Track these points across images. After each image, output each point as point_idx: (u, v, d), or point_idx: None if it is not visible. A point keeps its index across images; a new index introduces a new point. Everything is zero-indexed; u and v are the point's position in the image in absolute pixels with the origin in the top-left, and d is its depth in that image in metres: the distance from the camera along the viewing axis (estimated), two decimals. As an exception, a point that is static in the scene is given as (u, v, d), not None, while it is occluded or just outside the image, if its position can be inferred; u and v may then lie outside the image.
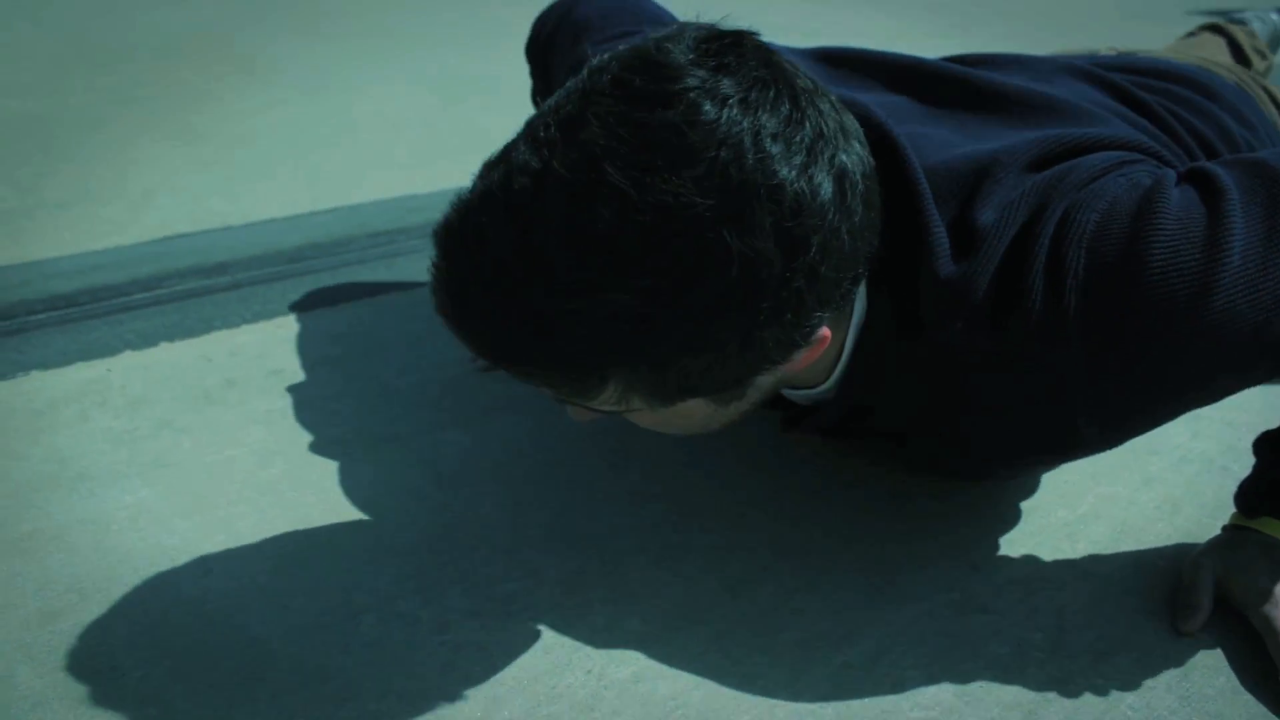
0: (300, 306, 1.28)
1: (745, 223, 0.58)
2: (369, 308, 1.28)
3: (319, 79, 2.40)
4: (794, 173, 0.59)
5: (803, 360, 0.68)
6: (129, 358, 1.15)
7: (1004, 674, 0.75)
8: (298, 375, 1.12)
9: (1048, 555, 0.88)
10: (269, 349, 1.17)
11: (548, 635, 0.77)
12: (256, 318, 1.24)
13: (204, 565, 0.83)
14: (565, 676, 0.74)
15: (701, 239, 0.58)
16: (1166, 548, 0.89)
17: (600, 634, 0.77)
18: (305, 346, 1.18)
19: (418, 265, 1.40)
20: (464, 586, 0.82)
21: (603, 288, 0.58)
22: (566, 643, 0.76)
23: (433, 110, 2.17)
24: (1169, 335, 0.68)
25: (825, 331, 0.67)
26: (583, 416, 0.75)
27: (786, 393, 0.83)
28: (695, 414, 0.71)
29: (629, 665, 0.75)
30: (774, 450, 1.01)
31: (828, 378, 0.79)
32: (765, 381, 0.70)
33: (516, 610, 0.80)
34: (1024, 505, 0.94)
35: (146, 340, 1.19)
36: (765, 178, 0.58)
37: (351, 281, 1.36)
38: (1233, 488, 0.96)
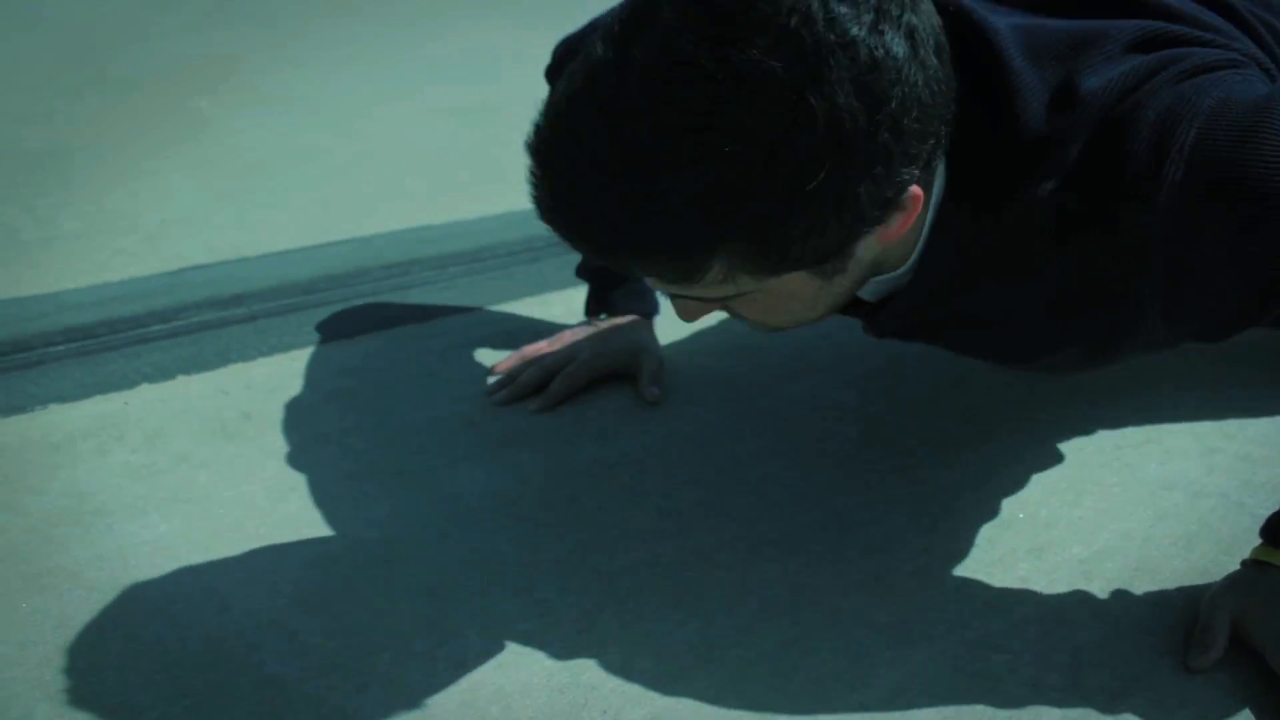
0: (315, 339, 1.29)
1: (824, 82, 0.60)
2: (383, 340, 1.29)
3: (332, 106, 2.42)
4: (864, 30, 0.61)
5: (897, 227, 0.69)
6: (146, 391, 1.16)
7: (1020, 714, 0.75)
8: (313, 409, 1.13)
9: (1063, 593, 0.88)
10: (284, 382, 1.18)
11: (563, 676, 0.77)
12: (272, 350, 1.25)
13: (221, 602, 0.84)
14: (581, 717, 0.74)
15: (784, 102, 0.60)
16: (1183, 586, 0.89)
17: (616, 674, 0.77)
18: (320, 380, 1.19)
19: (431, 296, 1.41)
20: (480, 626, 0.82)
21: (696, 162, 0.60)
22: (582, 683, 0.77)
23: (445, 139, 2.19)
24: (1264, 227, 0.69)
25: (916, 191, 0.68)
26: (692, 314, 0.77)
27: (867, 289, 0.83)
28: (801, 292, 0.73)
29: (644, 706, 0.75)
30: (787, 489, 1.01)
31: (906, 261, 0.80)
32: (863, 253, 0.72)
33: (532, 650, 0.80)
34: (1039, 542, 0.94)
35: (163, 373, 1.19)
36: (837, 36, 0.60)
37: (366, 313, 1.37)
38: (1249, 523, 0.96)
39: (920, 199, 0.69)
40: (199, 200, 1.77)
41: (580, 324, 1.24)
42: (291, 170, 1.94)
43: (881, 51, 0.62)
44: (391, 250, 1.57)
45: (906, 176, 0.66)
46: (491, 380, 1.20)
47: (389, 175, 1.93)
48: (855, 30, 0.61)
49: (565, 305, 1.39)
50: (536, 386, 1.16)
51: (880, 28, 0.62)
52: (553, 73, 1.22)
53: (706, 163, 0.61)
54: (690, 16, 0.60)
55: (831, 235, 0.66)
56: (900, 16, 0.63)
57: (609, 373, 1.19)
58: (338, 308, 1.38)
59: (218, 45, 3.11)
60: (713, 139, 0.60)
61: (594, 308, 1.24)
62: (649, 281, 0.72)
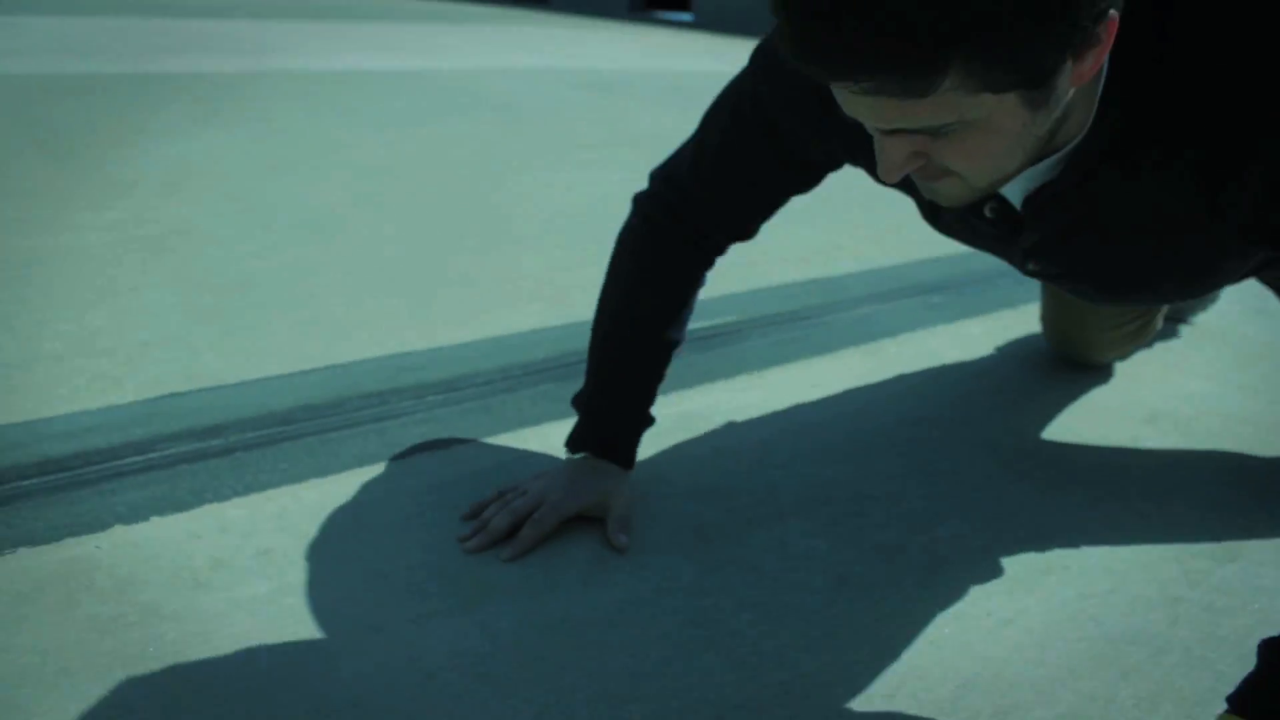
0: (290, 476, 1.30)
1: None
2: (358, 479, 1.30)
3: (314, 218, 2.46)
4: None
5: (1091, 64, 0.77)
6: (118, 533, 1.16)
7: None
8: (285, 556, 1.13)
9: (1025, 767, 0.88)
10: (258, 525, 1.19)
11: None
12: (247, 489, 1.26)
13: (184, 774, 0.83)
14: None
15: None
16: (1143, 760, 0.90)
17: None
18: (293, 523, 1.20)
19: (408, 430, 1.43)
20: (443, 802, 0.82)
21: None
22: None
23: (428, 256, 2.22)
24: None
25: (1113, 19, 0.75)
26: (897, 162, 0.82)
27: (1018, 183, 0.94)
28: (1010, 126, 0.79)
29: None
30: (754, 648, 1.02)
31: (1070, 141, 0.89)
32: (1061, 90, 0.78)
33: (494, 829, 0.80)
34: (1003, 704, 0.95)
35: (137, 513, 1.20)
36: None
37: (342, 447, 1.38)
38: (1211, 682, 0.97)
39: (1114, 28, 0.76)
40: (182, 318, 1.78)
41: (559, 464, 1.26)
42: (275, 286, 1.97)
43: None
44: (370, 379, 1.58)
45: (1106, 3, 0.74)
46: (464, 523, 1.21)
47: (370, 292, 1.96)
48: None
49: (541, 440, 1.41)
50: (508, 532, 1.17)
51: None
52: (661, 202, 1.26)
53: None
54: None
55: (1049, 45, 0.73)
56: None
57: (578, 515, 1.20)
58: (313, 441, 1.39)
59: (206, 149, 3.16)
60: None
61: (575, 444, 1.26)
62: (866, 113, 0.78)
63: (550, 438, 1.41)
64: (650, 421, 1.27)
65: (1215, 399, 1.69)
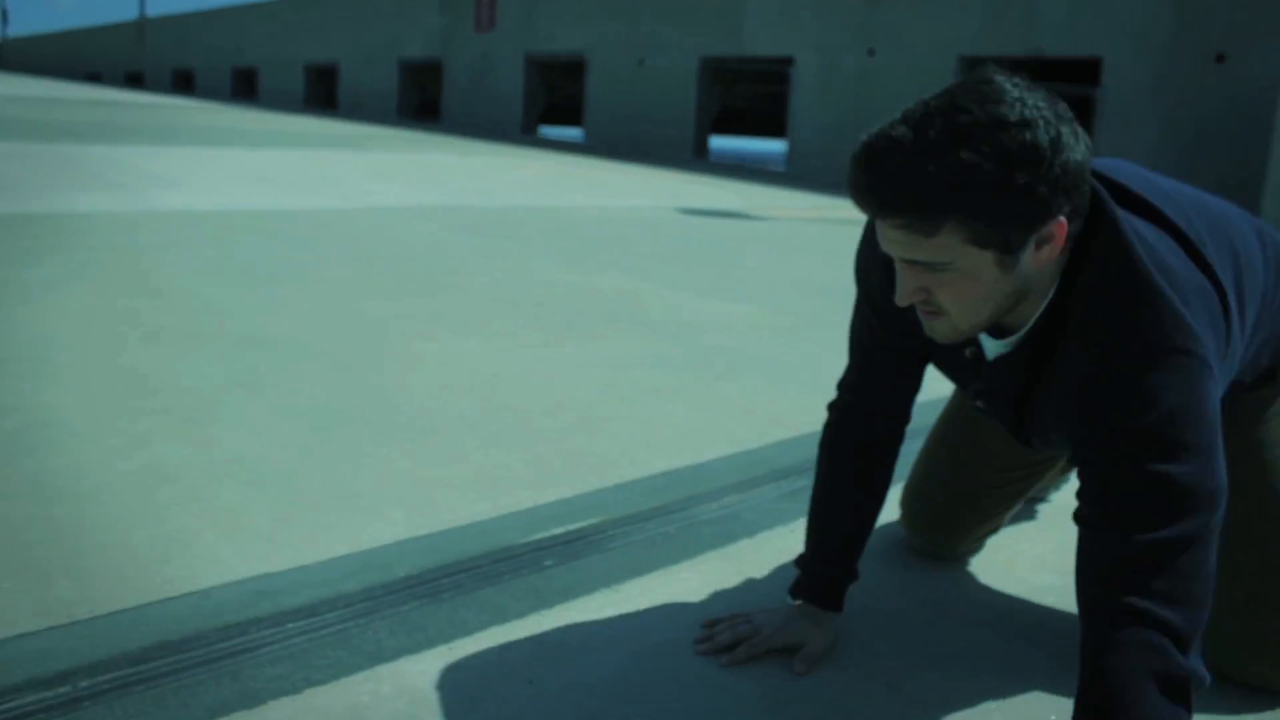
0: (138, 734, 1.28)
1: (1039, 142, 1.10)
2: (209, 734, 1.29)
3: (184, 404, 2.45)
4: (1059, 126, 1.12)
5: (1046, 255, 1.17)
6: (-48, 816, 1.13)
7: None
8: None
9: None
10: (100, 799, 1.17)
11: None
12: (91, 754, 1.24)
13: None
14: None
15: (1021, 142, 1.10)
16: None
17: None
18: (138, 793, 1.18)
19: (263, 671, 1.42)
20: None
21: (959, 157, 1.09)
22: None
23: (295, 454, 2.23)
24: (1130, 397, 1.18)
25: (1063, 223, 1.15)
26: (909, 291, 1.20)
27: (990, 347, 1.35)
28: (986, 277, 1.17)
29: None
30: None
31: (1019, 330, 1.29)
32: (1024, 265, 1.17)
33: None
34: None
35: (-27, 790, 1.17)
36: (1049, 121, 1.12)
37: (196, 694, 1.37)
38: None
39: (1064, 231, 1.16)
40: (38, 539, 1.75)
41: (785, 605, 1.59)
42: (135, 493, 1.95)
43: (1070, 139, 1.13)
44: (230, 606, 1.58)
45: (1063, 206, 1.13)
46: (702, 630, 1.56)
47: (232, 500, 1.96)
48: (1063, 129, 1.12)
49: (396, 682, 1.42)
50: (729, 646, 1.52)
51: (1074, 135, 1.14)
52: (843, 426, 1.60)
53: (966, 159, 1.09)
54: (969, 91, 1.13)
55: (1018, 224, 1.13)
56: (1076, 135, 1.14)
57: (782, 647, 1.52)
58: (167, 686, 1.38)
59: (76, 316, 3.12)
60: (971, 149, 1.09)
61: (795, 593, 1.58)
62: (894, 246, 1.18)
63: (406, 677, 1.43)
64: (854, 575, 1.59)
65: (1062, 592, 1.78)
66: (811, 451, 2.45)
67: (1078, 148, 1.13)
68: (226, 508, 1.92)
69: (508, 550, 1.83)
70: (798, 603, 1.57)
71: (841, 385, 1.59)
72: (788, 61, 13.80)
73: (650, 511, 2.04)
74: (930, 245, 1.14)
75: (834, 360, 3.30)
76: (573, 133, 18.56)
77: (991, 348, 1.36)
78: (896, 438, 1.57)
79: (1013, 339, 1.31)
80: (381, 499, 2.01)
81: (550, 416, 2.57)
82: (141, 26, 39.10)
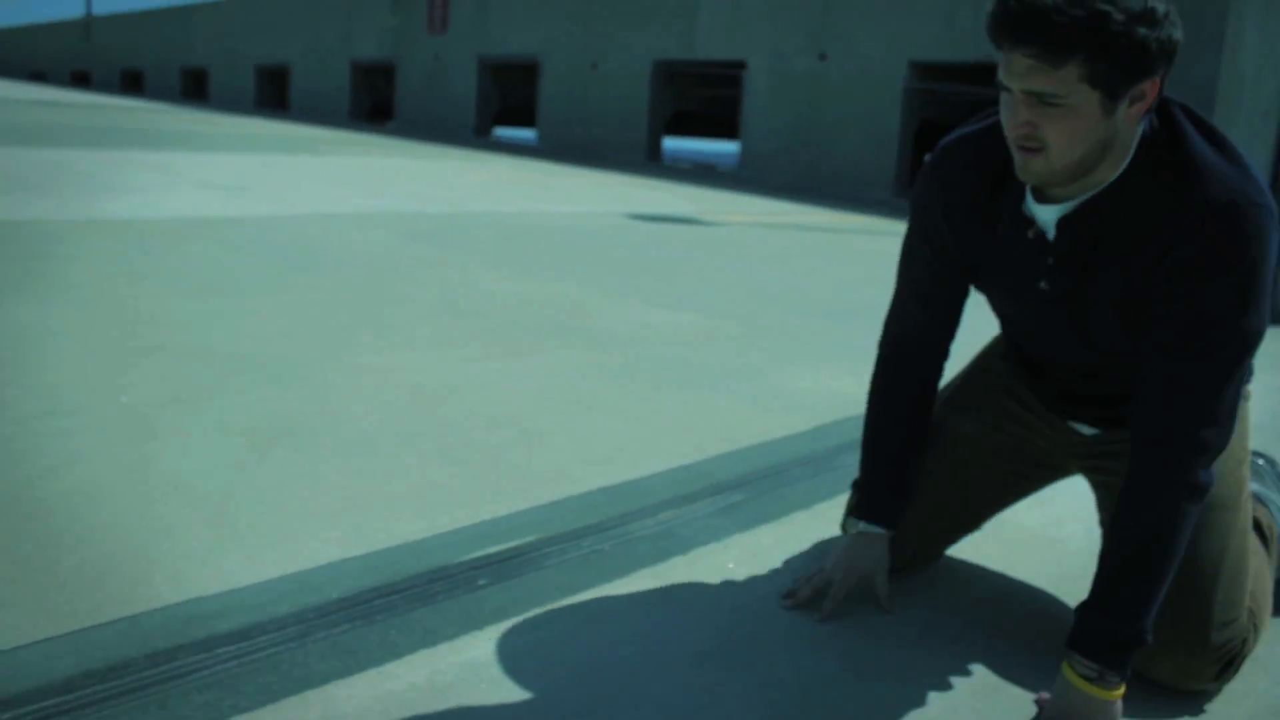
0: (61, 765, 1.28)
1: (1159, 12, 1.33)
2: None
3: (119, 422, 2.43)
4: (1170, 7, 1.34)
5: (1137, 111, 1.37)
6: None
7: None
8: None
9: None
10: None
11: None
12: (12, 788, 1.24)
13: None
14: None
15: (1148, 14, 1.31)
16: None
17: None
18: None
19: (191, 699, 1.42)
20: None
21: (1100, 9, 1.28)
22: None
23: (232, 467, 2.22)
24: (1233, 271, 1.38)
25: (1155, 84, 1.36)
26: (1021, 116, 1.37)
27: (1051, 211, 1.50)
28: (1090, 116, 1.35)
29: None
30: None
31: (1105, 180, 1.45)
32: (1120, 117, 1.37)
33: None
34: None
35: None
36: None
37: (121, 723, 1.37)
38: None
39: (1156, 90, 1.36)
40: (-37, 564, 1.74)
41: (842, 543, 1.83)
42: (69, 516, 1.94)
43: (1177, 27, 1.34)
44: (159, 633, 1.58)
45: (1160, 69, 1.34)
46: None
47: (168, 519, 1.95)
48: (1173, 11, 1.34)
49: (324, 708, 1.43)
50: (812, 600, 1.78)
51: (1178, 20, 1.35)
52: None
53: (1101, 8, 1.28)
54: None
55: (1127, 72, 1.33)
56: (1179, 25, 1.35)
57: (856, 585, 1.79)
58: (92, 713, 1.37)
59: (9, 330, 3.09)
60: (1107, 2, 1.28)
61: (856, 512, 1.82)
62: (1018, 76, 1.35)
63: (334, 702, 1.44)
64: (907, 494, 1.82)
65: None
66: (750, 465, 2.49)
67: (1179, 27, 1.34)
68: (159, 529, 1.92)
69: (442, 570, 1.84)
70: (856, 529, 1.81)
71: (888, 325, 1.82)
72: (740, 65, 13.87)
73: (586, 529, 2.06)
74: (1053, 77, 1.32)
75: (780, 370, 3.36)
76: (526, 134, 18.53)
77: (1050, 215, 1.50)
78: (938, 370, 1.80)
79: (1081, 198, 1.47)
80: (318, 518, 2.01)
81: (489, 431, 2.58)
82: (88, 25, 38.48)
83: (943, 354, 1.79)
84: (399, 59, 20.44)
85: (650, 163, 14.76)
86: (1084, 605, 1.48)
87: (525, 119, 18.38)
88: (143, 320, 3.41)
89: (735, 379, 3.23)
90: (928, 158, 1.69)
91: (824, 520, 2.18)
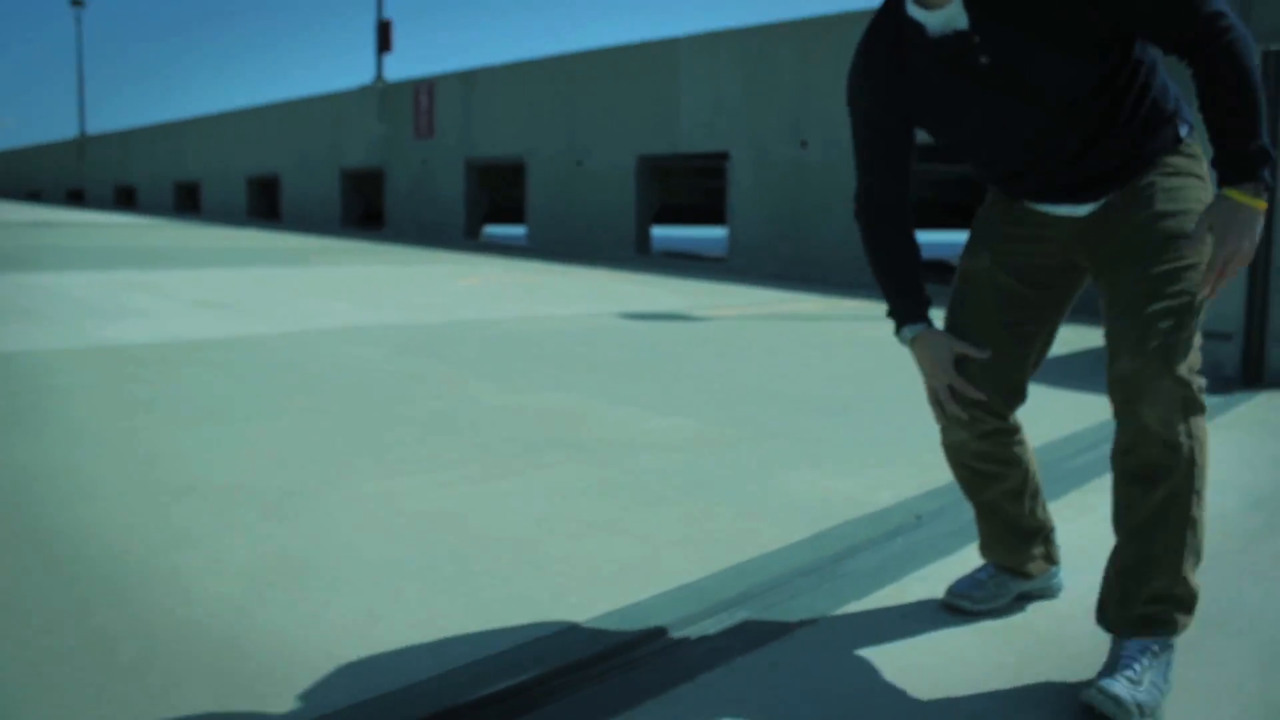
0: None
1: None
2: None
3: (108, 567, 2.42)
4: None
5: None
6: None
7: None
8: None
9: None
10: None
11: None
12: None
13: None
14: None
15: None
16: None
17: None
18: None
19: None
20: None
21: None
22: None
23: (235, 614, 2.21)
24: None
25: None
26: None
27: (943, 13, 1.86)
28: None
29: None
30: None
31: None
32: None
33: None
34: None
35: None
36: None
37: None
38: None
39: None
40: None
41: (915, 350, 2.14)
42: (56, 682, 1.92)
43: None
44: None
45: None
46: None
47: (166, 676, 1.93)
48: None
49: None
50: (947, 416, 2.12)
51: None
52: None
53: None
54: None
55: None
56: None
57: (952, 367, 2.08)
58: None
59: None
60: None
61: (899, 320, 2.14)
62: None
63: None
64: (924, 293, 2.14)
65: None
66: (753, 578, 2.49)
67: None
68: (163, 686, 1.90)
69: (450, 711, 1.83)
70: (911, 336, 2.11)
71: (857, 197, 2.15)
72: (723, 156, 14.11)
73: (591, 659, 2.04)
74: None
75: (777, 474, 3.36)
76: (516, 231, 18.74)
77: (955, 9, 1.84)
78: (906, 214, 2.13)
79: None
80: (323, 661, 2.00)
81: (493, 558, 2.57)
82: (82, 144, 39.10)
83: (904, 202, 2.12)
84: (387, 165, 20.76)
85: (640, 256, 14.92)
86: (1219, 148, 1.79)
87: (515, 216, 18.62)
88: (139, 457, 3.41)
89: (733, 486, 3.24)
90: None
91: (829, 634, 2.17)
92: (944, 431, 2.17)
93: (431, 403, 4.41)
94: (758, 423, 4.16)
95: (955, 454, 2.20)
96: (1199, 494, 1.86)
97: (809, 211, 12.93)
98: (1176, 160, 1.98)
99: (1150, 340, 1.82)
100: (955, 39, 1.87)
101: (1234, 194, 1.77)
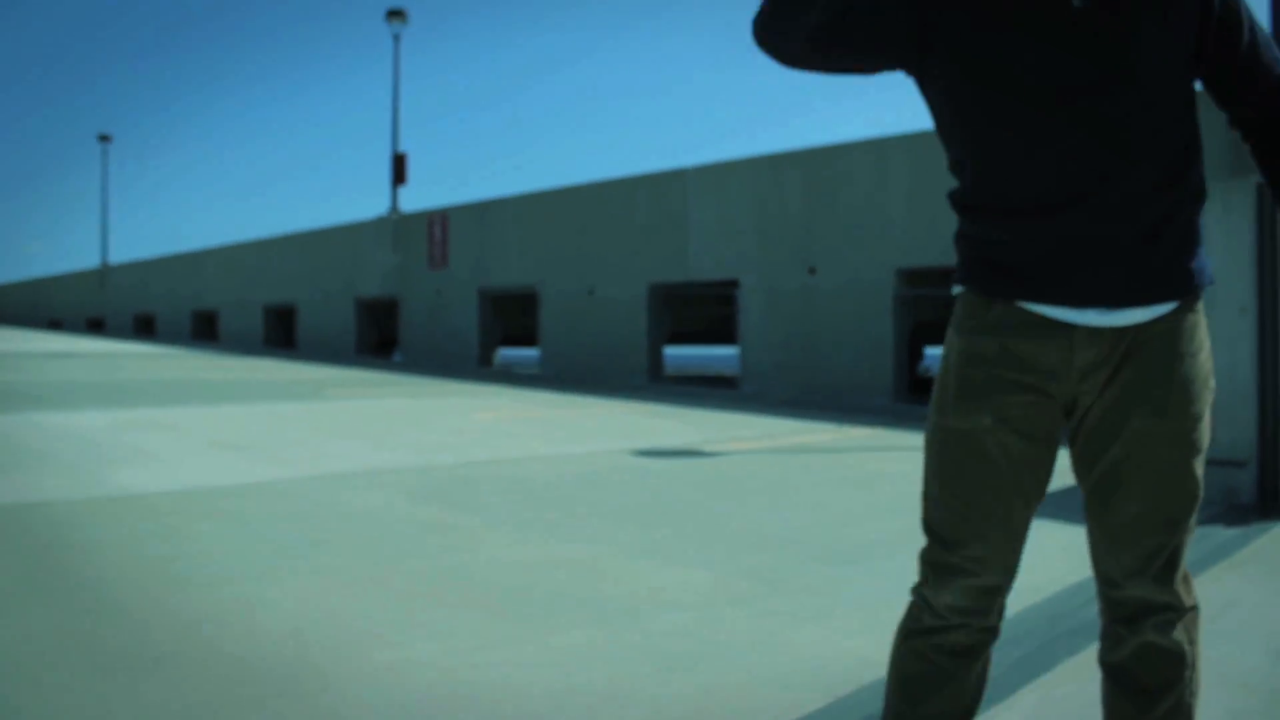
0: None
1: None
2: None
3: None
4: None
5: None
6: None
7: None
8: None
9: None
10: None
11: None
12: None
13: None
14: None
15: None
16: None
17: None
18: None
19: None
20: None
21: None
22: None
23: None
24: None
25: None
26: None
27: None
28: None
29: None
30: None
31: None
32: None
33: None
34: None
35: None
36: None
37: None
38: None
39: None
40: None
41: None
42: None
43: None
44: None
45: None
46: None
47: None
48: None
49: None
50: None
51: None
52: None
53: None
54: None
55: None
56: None
57: None
58: None
59: (13, 647, 3.08)
60: None
61: None
62: None
63: None
64: None
65: None
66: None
67: None
68: None
69: None
70: None
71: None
72: (733, 284, 14.30)
73: None
74: None
75: (791, 633, 3.33)
76: (529, 354, 18.92)
77: None
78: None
79: None
80: None
81: (504, 740, 2.54)
82: (103, 274, 39.87)
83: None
84: (402, 295, 21.08)
85: (652, 383, 15.01)
86: None
87: (528, 339, 18.82)
88: (151, 625, 3.41)
89: (747, 650, 3.21)
90: None
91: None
92: (917, 617, 1.77)
93: (445, 558, 4.40)
94: (771, 574, 4.14)
95: (922, 642, 1.76)
96: (1196, 692, 1.75)
97: (820, 337, 13.04)
98: (1200, 316, 1.65)
99: (1158, 559, 1.66)
100: None
101: None
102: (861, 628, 3.40)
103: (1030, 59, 1.51)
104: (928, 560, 1.73)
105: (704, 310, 18.17)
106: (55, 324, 43.34)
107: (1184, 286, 1.58)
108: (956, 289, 1.70)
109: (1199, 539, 4.62)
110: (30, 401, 10.78)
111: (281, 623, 3.44)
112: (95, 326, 39.59)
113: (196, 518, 5.14)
